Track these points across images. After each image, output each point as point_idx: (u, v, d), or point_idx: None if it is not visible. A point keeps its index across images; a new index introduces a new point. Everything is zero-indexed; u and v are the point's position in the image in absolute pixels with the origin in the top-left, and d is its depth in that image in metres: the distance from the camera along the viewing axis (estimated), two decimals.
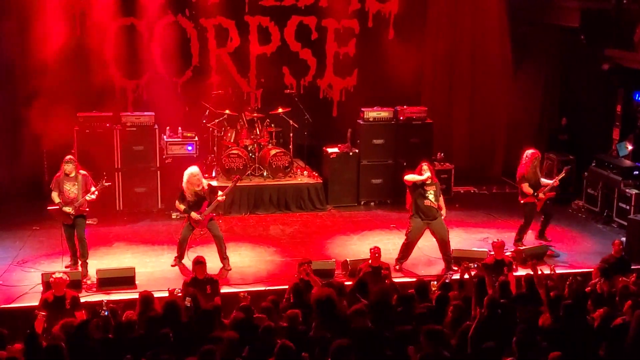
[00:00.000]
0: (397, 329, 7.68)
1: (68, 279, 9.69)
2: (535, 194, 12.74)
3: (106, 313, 8.48)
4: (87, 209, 11.65)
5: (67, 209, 11.34)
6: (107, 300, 8.59)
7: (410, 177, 11.83)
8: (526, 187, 12.75)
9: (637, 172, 14.16)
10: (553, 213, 13.30)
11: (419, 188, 11.75)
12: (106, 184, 11.72)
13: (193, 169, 11.71)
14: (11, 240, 13.02)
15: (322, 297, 8.23)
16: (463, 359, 7.45)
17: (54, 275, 9.66)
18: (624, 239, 12.64)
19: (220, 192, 11.88)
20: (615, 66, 15.00)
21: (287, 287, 9.95)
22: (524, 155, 12.88)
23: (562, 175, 13.10)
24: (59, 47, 14.66)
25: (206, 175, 14.91)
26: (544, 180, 12.98)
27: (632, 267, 11.17)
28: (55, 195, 11.40)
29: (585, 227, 14.41)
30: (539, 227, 13.28)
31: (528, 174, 12.77)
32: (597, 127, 16.27)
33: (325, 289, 8.75)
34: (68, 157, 11.57)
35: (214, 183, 13.61)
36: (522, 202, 12.91)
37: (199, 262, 10.24)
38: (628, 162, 14.64)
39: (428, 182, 11.75)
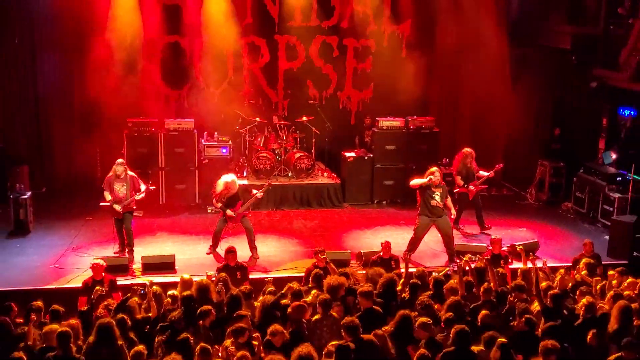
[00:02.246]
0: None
1: (105, 264, 9.66)
2: (466, 185, 13.22)
3: (142, 292, 8.45)
4: (135, 207, 11.77)
5: (117, 207, 11.43)
6: (150, 281, 8.54)
7: (414, 182, 11.87)
8: (458, 180, 13.36)
9: (620, 179, 14.06)
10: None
11: (427, 190, 11.73)
12: (151, 187, 11.93)
13: (229, 177, 11.71)
14: (67, 229, 13.14)
15: (334, 283, 8.39)
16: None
17: (92, 261, 9.67)
18: (607, 237, 12.80)
19: (254, 191, 11.96)
20: (602, 84, 14.92)
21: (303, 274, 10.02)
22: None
23: (494, 170, 13.48)
24: (112, 62, 14.77)
25: (238, 174, 15.00)
26: (481, 173, 13.42)
27: (615, 262, 11.38)
28: (107, 194, 11.49)
29: (574, 227, 14.34)
30: (477, 222, 13.62)
31: (459, 169, 13.39)
32: (585, 137, 16.15)
33: (339, 277, 8.85)
34: (119, 160, 11.70)
35: (244, 182, 13.62)
36: (455, 191, 13.33)
37: (231, 251, 10.29)
38: (612, 170, 14.52)
39: (436, 184, 11.72)
